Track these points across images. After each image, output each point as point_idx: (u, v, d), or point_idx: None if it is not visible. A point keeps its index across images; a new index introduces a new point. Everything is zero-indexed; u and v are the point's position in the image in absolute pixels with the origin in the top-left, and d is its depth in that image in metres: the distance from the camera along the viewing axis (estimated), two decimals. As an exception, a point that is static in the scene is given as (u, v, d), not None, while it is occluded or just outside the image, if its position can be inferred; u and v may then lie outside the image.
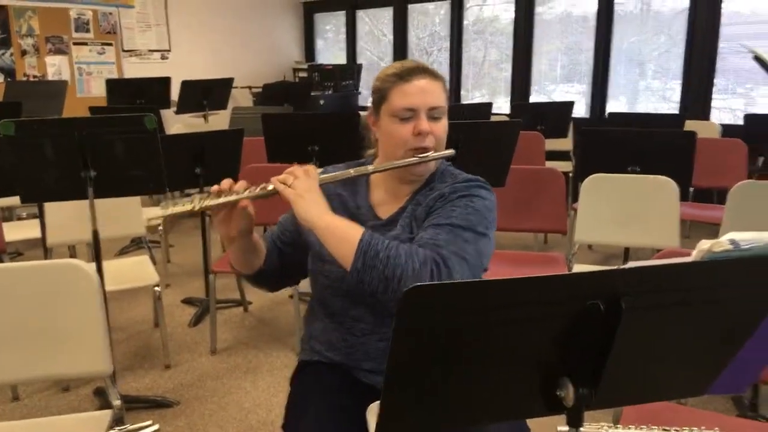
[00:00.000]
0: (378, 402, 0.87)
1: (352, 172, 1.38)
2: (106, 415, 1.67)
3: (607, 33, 6.01)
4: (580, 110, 6.17)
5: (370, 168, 1.39)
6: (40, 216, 3.04)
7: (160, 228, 3.75)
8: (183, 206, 1.30)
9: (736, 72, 5.36)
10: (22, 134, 2.14)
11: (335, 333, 1.43)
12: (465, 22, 7.25)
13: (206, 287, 3.42)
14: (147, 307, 3.48)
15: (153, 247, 4.30)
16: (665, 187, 2.68)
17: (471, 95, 7.35)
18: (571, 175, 3.41)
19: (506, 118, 5.25)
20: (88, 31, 6.68)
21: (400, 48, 7.84)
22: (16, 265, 1.70)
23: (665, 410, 1.60)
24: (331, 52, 8.81)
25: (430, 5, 7.56)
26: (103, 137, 2.22)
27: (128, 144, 2.26)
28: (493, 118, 4.88)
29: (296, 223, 1.35)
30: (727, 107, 5.47)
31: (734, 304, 0.89)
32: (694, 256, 0.83)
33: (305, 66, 8.36)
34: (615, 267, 0.81)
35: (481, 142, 2.70)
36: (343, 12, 8.45)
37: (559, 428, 0.94)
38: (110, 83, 5.21)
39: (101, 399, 2.56)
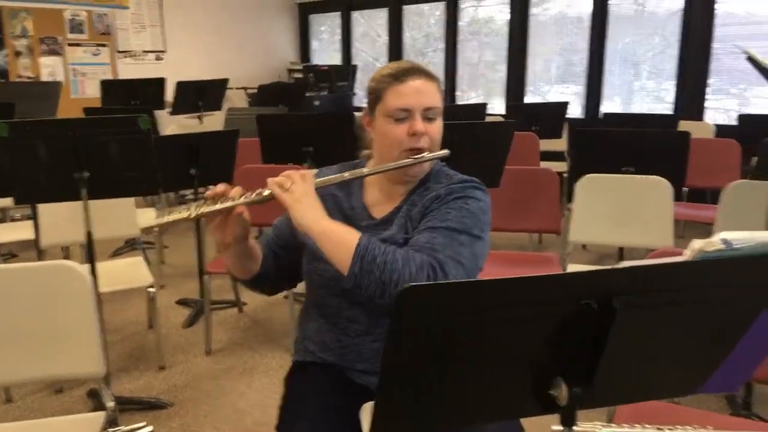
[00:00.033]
0: (371, 402, 0.88)
1: (347, 175, 1.38)
2: (100, 416, 1.66)
3: (602, 34, 6.03)
4: (575, 111, 6.19)
5: (365, 170, 1.39)
6: (34, 217, 3.02)
7: (156, 228, 3.74)
8: (179, 214, 1.31)
9: (730, 73, 5.39)
10: (15, 135, 2.12)
11: (329, 333, 1.43)
12: (460, 23, 7.26)
13: (201, 288, 3.41)
14: (141, 308, 3.46)
15: (147, 248, 4.29)
16: (659, 187, 2.69)
17: (466, 96, 7.36)
18: (565, 175, 3.41)
19: (501, 119, 5.25)
20: (82, 32, 6.66)
21: (395, 49, 7.85)
22: (9, 267, 1.69)
23: (659, 409, 1.60)
24: (326, 53, 8.81)
25: (425, 6, 7.57)
26: (96, 138, 2.21)
27: (122, 145, 2.25)
28: (488, 119, 4.88)
29: (291, 225, 1.35)
30: (721, 108, 5.49)
31: (726, 303, 0.89)
32: (687, 255, 0.83)
33: (300, 67, 8.36)
34: (608, 267, 0.81)
35: (476, 143, 2.71)
36: (338, 13, 8.45)
37: (552, 427, 0.94)
38: (105, 84, 5.22)
39: (95, 400, 2.55)
